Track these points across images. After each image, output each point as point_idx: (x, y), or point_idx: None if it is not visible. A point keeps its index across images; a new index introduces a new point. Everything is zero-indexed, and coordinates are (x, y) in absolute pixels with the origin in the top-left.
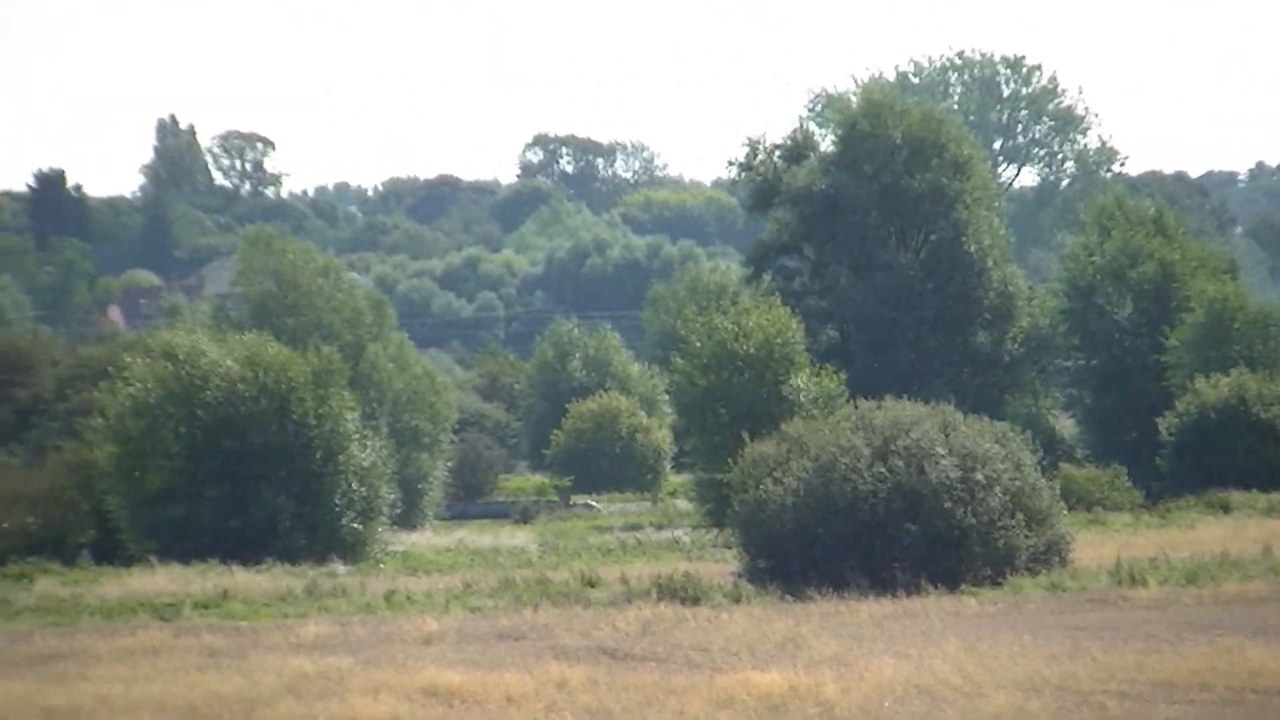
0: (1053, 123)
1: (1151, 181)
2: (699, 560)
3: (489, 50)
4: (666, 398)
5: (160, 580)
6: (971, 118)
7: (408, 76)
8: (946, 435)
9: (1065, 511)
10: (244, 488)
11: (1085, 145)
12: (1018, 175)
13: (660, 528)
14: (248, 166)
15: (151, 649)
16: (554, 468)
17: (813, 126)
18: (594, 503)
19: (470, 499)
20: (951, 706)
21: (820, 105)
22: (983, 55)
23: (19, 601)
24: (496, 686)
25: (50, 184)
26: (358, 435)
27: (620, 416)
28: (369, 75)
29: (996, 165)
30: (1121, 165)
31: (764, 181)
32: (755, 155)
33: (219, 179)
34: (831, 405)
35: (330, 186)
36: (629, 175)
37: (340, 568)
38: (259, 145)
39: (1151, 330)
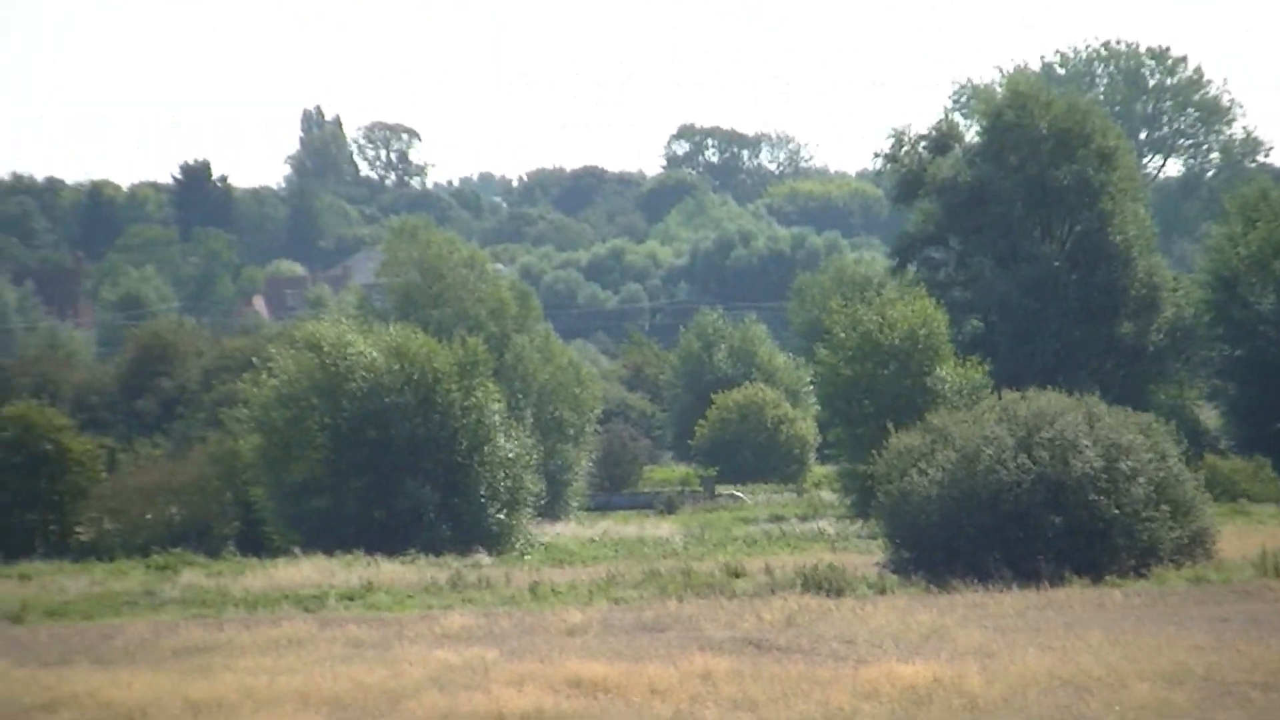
0: (1198, 114)
1: None
2: (843, 551)
3: (635, 41)
4: (811, 389)
5: (305, 571)
6: (1116, 109)
7: (553, 67)
8: (1091, 426)
9: (1210, 503)
10: (389, 479)
11: (1230, 136)
12: (1163, 166)
13: (805, 519)
14: (393, 157)
15: (296, 640)
16: (699, 458)
17: (958, 118)
18: (739, 493)
19: (615, 490)
20: (1095, 698)
21: (965, 96)
22: (1128, 46)
23: (164, 593)
24: (640, 678)
25: (196, 175)
26: (503, 426)
27: (765, 407)
28: (514, 66)
29: (1141, 156)
30: (1266, 156)
31: (909, 173)
32: (900, 146)
33: (364, 170)
34: (976, 396)
35: (475, 177)
36: (774, 166)
37: (485, 559)
38: (404, 136)
39: None
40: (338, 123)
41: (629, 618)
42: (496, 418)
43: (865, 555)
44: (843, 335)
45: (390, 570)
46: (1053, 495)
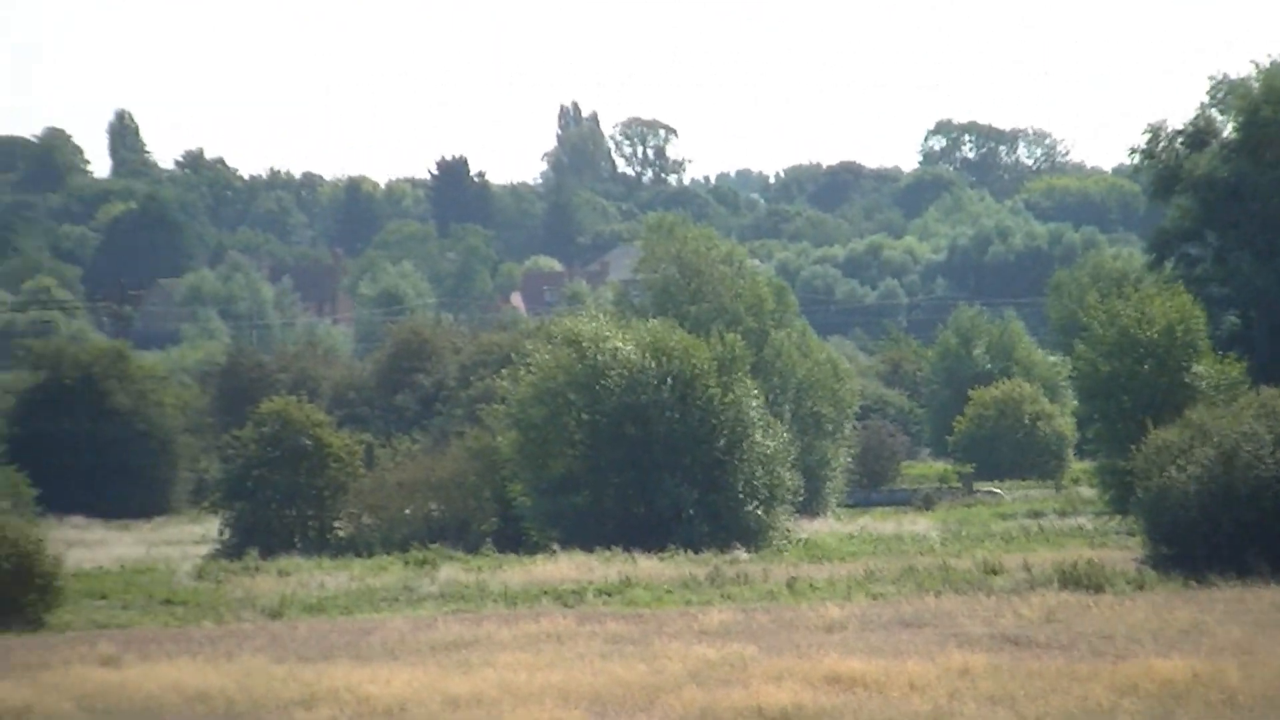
0: None
1: None
2: (1102, 547)
3: (892, 36)
4: (1069, 384)
5: (564, 567)
6: None
7: (810, 63)
8: None
9: None
10: (647, 475)
11: None
12: None
13: (1063, 514)
14: (650, 154)
15: (555, 636)
16: (956, 455)
17: (1214, 113)
18: (997, 490)
19: (873, 486)
20: None
21: (1222, 92)
22: None
23: (422, 589)
24: (898, 674)
25: (453, 171)
26: (761, 422)
27: (1023, 403)
28: (770, 61)
29: None
30: None
31: (1165, 168)
32: (1157, 142)
33: (621, 166)
34: (1234, 392)
35: (732, 173)
36: (1030, 162)
37: (743, 555)
38: (661, 132)
39: None
40: (595, 119)
41: (887, 613)
42: (755, 414)
43: (1124, 551)
44: (1100, 331)
45: (649, 566)
46: None
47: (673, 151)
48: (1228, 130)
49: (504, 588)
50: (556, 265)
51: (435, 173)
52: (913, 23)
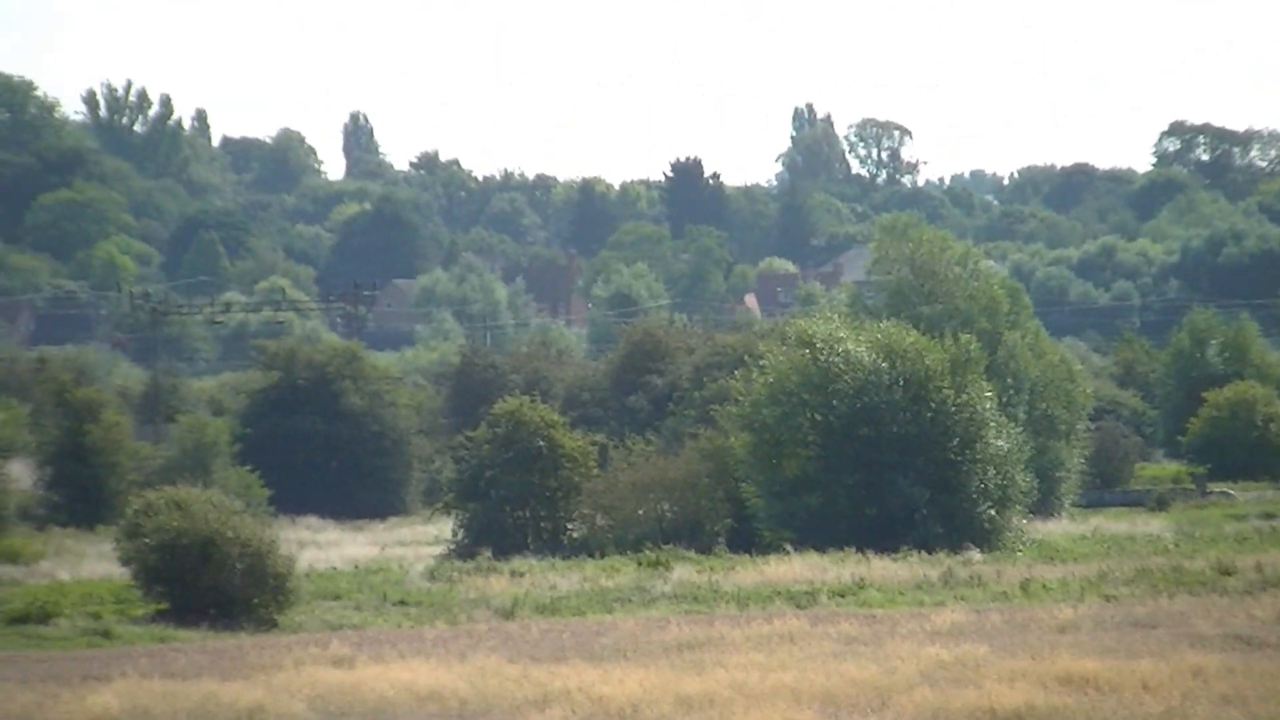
0: None
1: None
2: None
3: (1125, 38)
4: None
5: (796, 568)
6: None
7: (1043, 64)
8: None
9: None
10: (880, 476)
11: None
12: None
13: None
14: (884, 155)
15: (787, 636)
16: (1190, 456)
17: None
18: (1230, 491)
19: (1106, 487)
20: None
21: None
22: None
23: (656, 589)
24: (1131, 674)
25: (688, 173)
26: (994, 423)
27: (1256, 405)
28: (1004, 62)
29: None
30: None
31: None
32: None
33: (855, 167)
34: None
35: (966, 174)
36: (1264, 164)
37: (976, 556)
38: (895, 134)
39: None
40: (829, 120)
41: (1120, 614)
42: (988, 415)
43: None
44: None
45: (881, 567)
46: None
47: (907, 153)
48: None
49: (736, 588)
50: (790, 266)
51: (670, 174)
52: (1147, 25)
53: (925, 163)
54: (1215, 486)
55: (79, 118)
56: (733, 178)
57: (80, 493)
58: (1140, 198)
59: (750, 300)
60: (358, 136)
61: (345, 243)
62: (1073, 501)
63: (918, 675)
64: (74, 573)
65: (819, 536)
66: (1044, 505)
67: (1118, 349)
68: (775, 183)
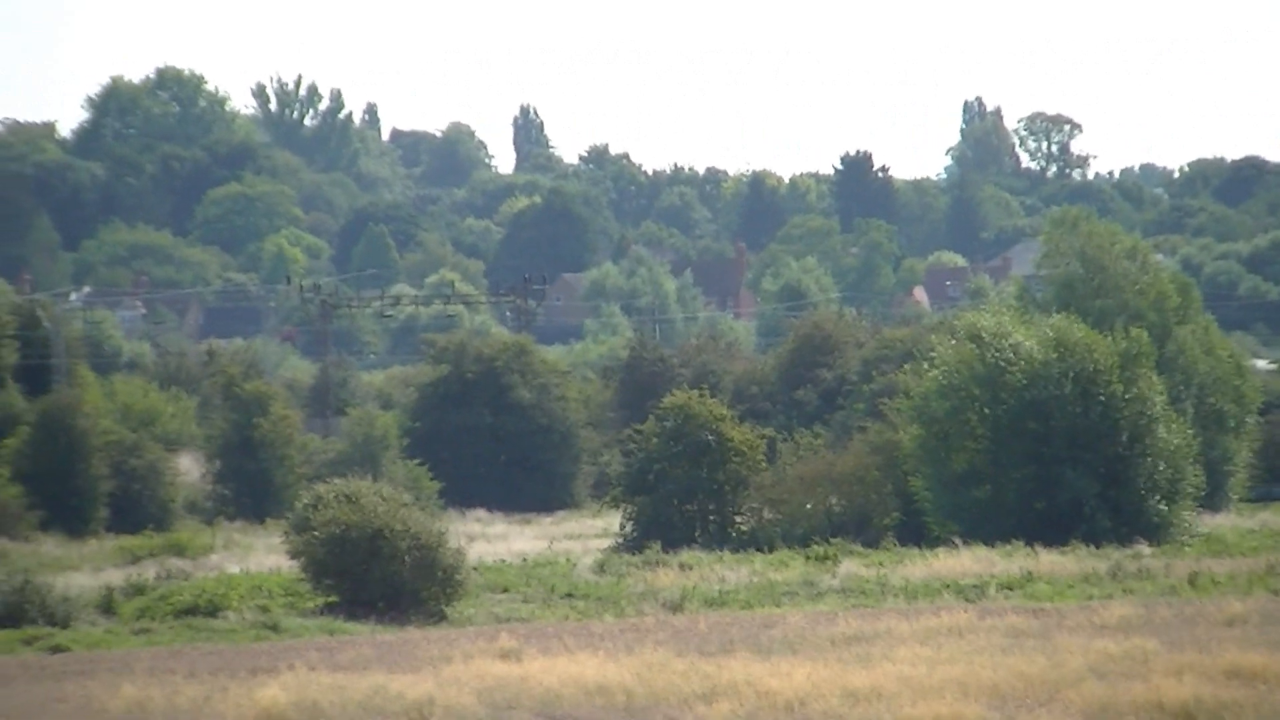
0: None
1: None
2: None
3: None
4: None
5: (965, 561)
6: None
7: (1212, 57)
8: None
9: None
10: (1049, 470)
11: None
12: None
13: None
14: (1054, 148)
15: (955, 630)
16: None
17: None
18: None
19: (1275, 481)
20: None
21: None
22: None
23: (823, 583)
24: None
25: (857, 166)
26: (1163, 418)
27: None
28: (1172, 56)
29: None
30: None
31: None
32: None
33: (1025, 161)
34: None
35: (1135, 168)
36: None
37: (1145, 549)
38: (1065, 127)
39: None
40: (998, 114)
41: None
42: (1158, 409)
43: None
44: None
45: (1050, 560)
46: None
47: (1077, 146)
48: None
49: (904, 582)
50: (959, 260)
51: (839, 167)
52: None
53: (1095, 156)
54: None
55: (249, 112)
56: (902, 171)
57: (249, 486)
58: None
59: (919, 294)
60: (527, 130)
61: (514, 236)
62: (1241, 496)
63: (1085, 669)
64: (243, 566)
65: (987, 530)
66: (1212, 499)
67: None
68: (944, 176)
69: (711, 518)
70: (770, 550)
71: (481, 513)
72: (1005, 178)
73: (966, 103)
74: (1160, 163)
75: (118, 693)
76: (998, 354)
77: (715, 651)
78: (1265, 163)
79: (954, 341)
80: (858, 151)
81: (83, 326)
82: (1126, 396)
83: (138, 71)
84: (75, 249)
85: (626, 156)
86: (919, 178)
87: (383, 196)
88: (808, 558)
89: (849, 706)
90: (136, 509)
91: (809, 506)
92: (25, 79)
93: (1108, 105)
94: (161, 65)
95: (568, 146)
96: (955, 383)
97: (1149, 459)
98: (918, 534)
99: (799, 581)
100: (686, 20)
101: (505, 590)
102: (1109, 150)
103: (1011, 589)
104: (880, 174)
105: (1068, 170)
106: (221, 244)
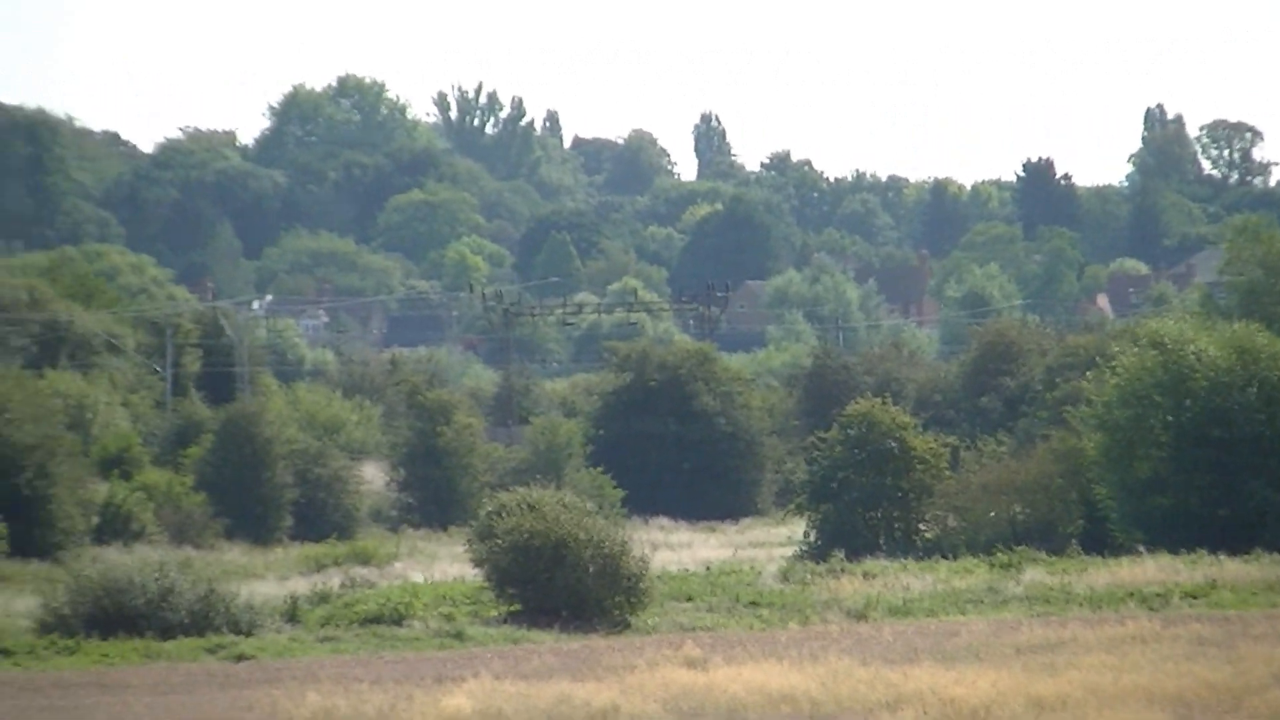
0: None
1: None
2: None
3: None
4: None
5: (1149, 570)
6: None
7: None
8: None
9: None
10: (1232, 478)
11: None
12: None
13: None
14: (1236, 156)
15: (1139, 638)
16: None
17: None
18: None
19: None
20: None
21: None
22: None
23: (1007, 591)
24: None
25: (1039, 173)
26: None
27: None
28: None
29: None
30: None
31: None
32: None
33: (1207, 168)
34: None
35: None
36: None
37: None
38: (1247, 135)
39: None
40: (1180, 121)
41: None
42: None
43: None
44: None
45: (1234, 568)
46: None
47: (1259, 154)
48: None
49: (1088, 590)
50: (1142, 267)
51: (1021, 174)
52: None
53: (1276, 164)
54: None
55: (430, 120)
56: (1083, 178)
57: (433, 494)
58: None
59: (1102, 301)
60: (709, 137)
61: (697, 243)
62: None
63: (1270, 677)
64: (426, 574)
65: (1171, 538)
66: None
67: None
68: (1126, 183)
69: (895, 525)
70: (954, 558)
71: (665, 521)
72: (1187, 185)
73: (1148, 110)
74: None
75: (303, 701)
76: (1180, 361)
77: (899, 660)
78: None
79: (1136, 349)
80: (1039, 158)
81: (265, 335)
82: None
83: (319, 80)
84: (257, 257)
85: (808, 163)
86: (1101, 184)
87: (564, 204)
88: (991, 565)
89: (1034, 715)
90: (321, 517)
91: (992, 514)
92: (206, 87)
93: None
94: (343, 73)
95: (749, 153)
96: (1138, 390)
97: None
98: (1101, 541)
99: (983, 589)
100: (868, 27)
101: (689, 599)
102: None
103: (1195, 597)
104: (1062, 181)
105: (1249, 178)
106: (404, 251)
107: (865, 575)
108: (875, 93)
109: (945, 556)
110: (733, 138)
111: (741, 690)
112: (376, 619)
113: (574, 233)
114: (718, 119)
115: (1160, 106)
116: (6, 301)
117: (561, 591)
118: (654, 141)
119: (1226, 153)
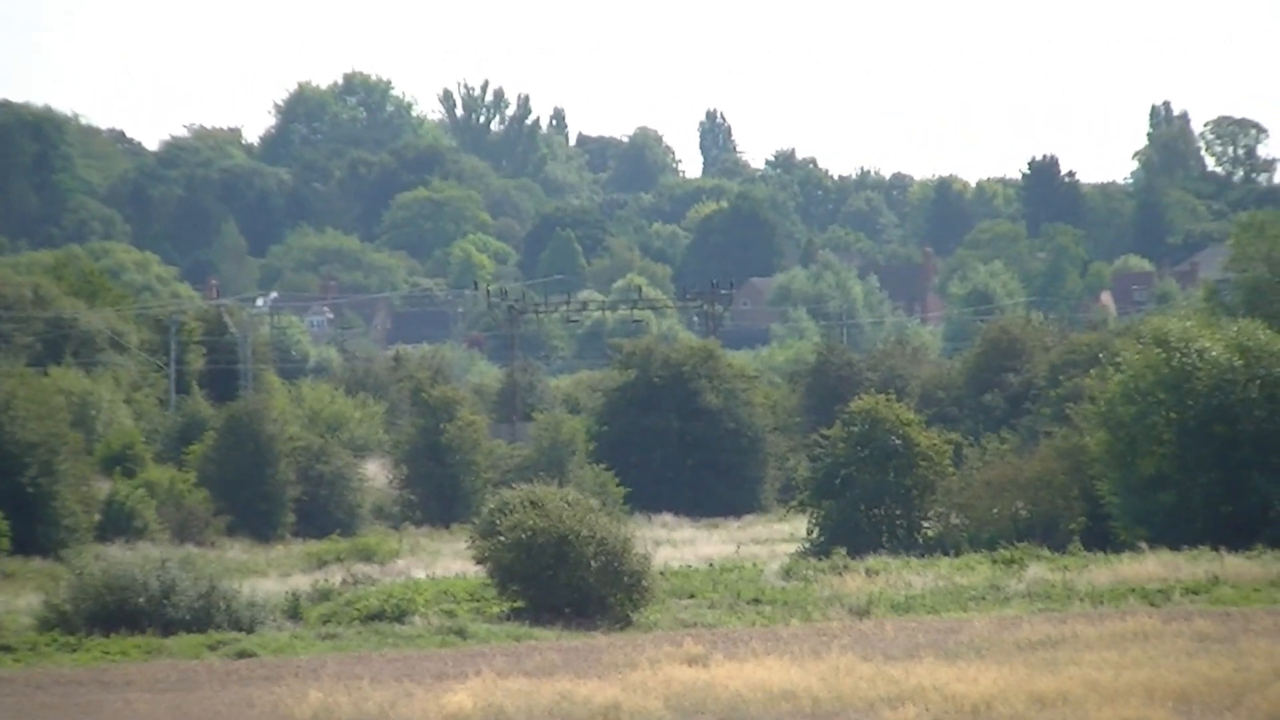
0: None
1: None
2: None
3: None
4: None
5: (1150, 566)
6: None
7: None
8: None
9: None
10: (1235, 474)
11: None
12: None
13: None
14: (1240, 153)
15: (1141, 634)
16: None
17: None
18: None
19: None
20: None
21: None
22: None
23: (1010, 587)
24: None
25: (1043, 171)
26: None
27: None
28: None
29: None
30: None
31: None
32: None
33: (1211, 165)
34: None
35: None
36: None
37: None
38: (1251, 131)
39: None
40: (1185, 118)
41: None
42: None
43: None
44: None
45: (1235, 564)
46: None
47: (1263, 150)
48: None
49: (1090, 587)
50: (1146, 265)
51: (1026, 172)
52: None
53: None
54: None
55: (435, 117)
56: (1088, 175)
57: (436, 491)
58: None
59: (1106, 298)
60: (714, 134)
61: (702, 241)
62: None
63: (1272, 673)
64: (429, 571)
65: (1174, 534)
66: None
67: None
68: (1131, 180)
69: (898, 522)
70: (957, 555)
71: (668, 517)
72: (1192, 182)
73: (1154, 107)
74: None
75: (305, 698)
76: (1184, 359)
77: (901, 656)
78: None
79: (1140, 346)
80: (1044, 156)
81: (270, 332)
82: None
83: (325, 77)
84: (262, 254)
85: (813, 161)
86: (1105, 182)
87: (570, 201)
88: (994, 562)
89: (1035, 711)
90: (323, 514)
91: (995, 511)
92: (212, 85)
93: None
94: (348, 71)
95: (754, 151)
96: (1141, 387)
97: None
98: (1104, 538)
99: (985, 586)
100: (873, 24)
101: (691, 595)
102: None
103: (1197, 593)
104: (1067, 178)
105: (1254, 175)
106: (409, 248)
107: (868, 572)
108: (880, 90)
109: (948, 553)
110: (738, 135)
111: (743, 687)
112: (378, 616)
113: (579, 230)
114: (723, 116)
115: (1165, 103)
116: (12, 299)
117: (564, 588)
118: (659, 139)
119: (1231, 149)
